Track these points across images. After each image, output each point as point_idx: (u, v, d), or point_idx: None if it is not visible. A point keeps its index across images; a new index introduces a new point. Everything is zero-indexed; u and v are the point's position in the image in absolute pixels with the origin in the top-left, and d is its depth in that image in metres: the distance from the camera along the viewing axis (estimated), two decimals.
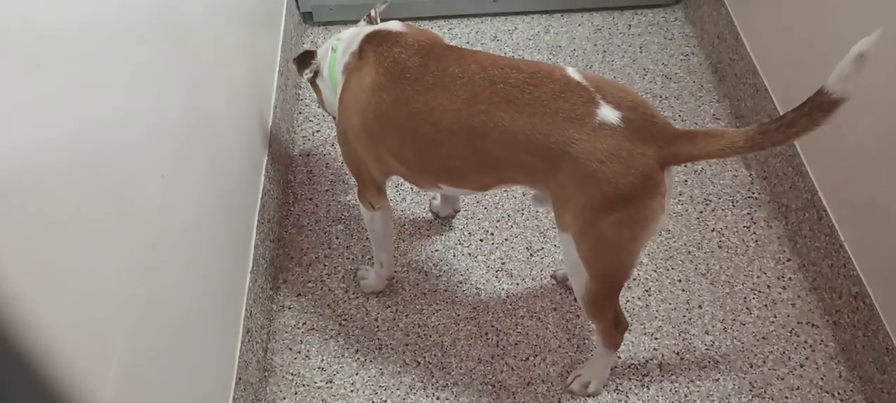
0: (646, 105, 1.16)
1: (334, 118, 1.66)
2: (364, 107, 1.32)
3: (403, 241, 1.81)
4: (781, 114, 1.80)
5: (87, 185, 0.87)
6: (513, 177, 1.28)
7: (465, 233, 1.83)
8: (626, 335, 1.58)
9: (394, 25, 1.36)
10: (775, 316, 1.65)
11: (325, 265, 1.77)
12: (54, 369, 0.65)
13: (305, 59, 1.54)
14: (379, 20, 1.48)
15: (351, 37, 1.41)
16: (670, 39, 2.34)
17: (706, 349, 1.59)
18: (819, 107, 1.00)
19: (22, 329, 0.69)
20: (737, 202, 1.88)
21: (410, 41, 1.29)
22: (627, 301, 1.67)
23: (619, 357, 1.57)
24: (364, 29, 1.40)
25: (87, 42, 0.90)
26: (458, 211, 1.86)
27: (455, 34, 2.35)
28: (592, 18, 2.41)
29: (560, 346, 1.61)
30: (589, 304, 1.32)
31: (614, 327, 1.40)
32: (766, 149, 1.09)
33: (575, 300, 1.67)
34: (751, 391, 1.52)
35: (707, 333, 1.62)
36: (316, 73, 1.54)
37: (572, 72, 1.18)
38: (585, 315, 1.49)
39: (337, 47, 1.44)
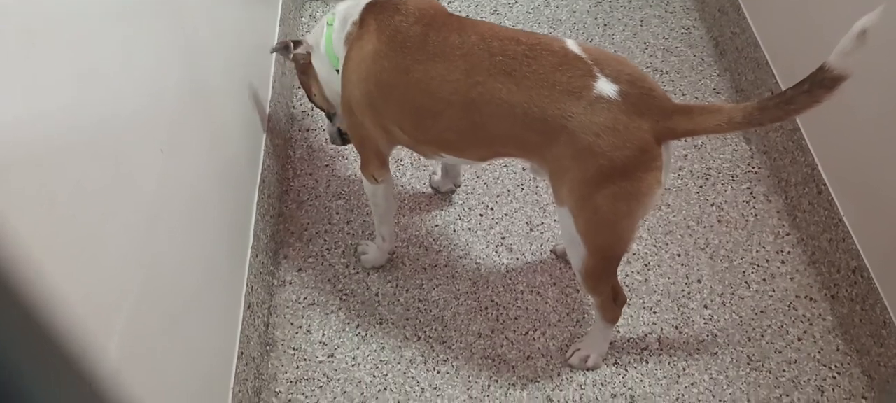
0: (645, 78, 1.15)
1: (325, 112, 1.63)
2: (366, 76, 1.31)
3: (403, 217, 1.81)
4: (783, 87, 1.81)
5: (87, 161, 0.87)
6: (509, 150, 1.28)
7: (465, 208, 1.83)
8: (626, 309, 1.59)
9: None
10: (774, 290, 1.65)
11: (325, 240, 1.78)
12: (57, 340, 0.66)
13: (292, 44, 1.54)
14: None
15: (348, 8, 1.40)
16: (671, 13, 2.32)
17: (705, 323, 1.60)
18: (820, 83, 0.99)
19: (24, 301, 0.69)
20: (736, 176, 1.88)
21: (412, 9, 1.28)
22: (627, 275, 1.68)
23: (618, 332, 1.58)
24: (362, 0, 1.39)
25: (83, 18, 0.89)
26: (459, 186, 1.86)
27: (455, 7, 2.34)
28: None
29: (559, 320, 1.62)
30: (587, 278, 1.33)
31: (612, 301, 1.41)
32: (765, 125, 1.09)
33: (574, 274, 1.68)
34: (748, 364, 1.53)
35: (706, 307, 1.63)
36: (305, 58, 1.52)
37: (572, 45, 1.18)
38: (583, 289, 1.50)
39: (332, 22, 1.43)
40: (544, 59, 1.16)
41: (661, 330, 1.60)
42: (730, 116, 1.09)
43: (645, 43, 2.22)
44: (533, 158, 1.26)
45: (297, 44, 1.54)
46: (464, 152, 1.34)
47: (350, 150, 1.96)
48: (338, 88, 1.45)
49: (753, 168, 1.89)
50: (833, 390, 1.50)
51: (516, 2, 2.36)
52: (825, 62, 0.98)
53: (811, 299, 1.64)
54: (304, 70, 1.56)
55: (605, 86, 1.12)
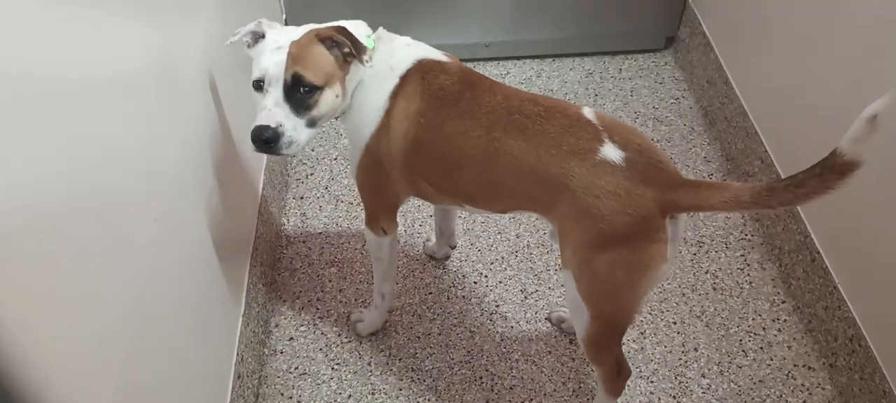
0: (655, 150, 1.17)
1: (310, 116, 1.32)
2: (405, 133, 1.31)
3: (396, 284, 1.80)
4: (772, 157, 1.83)
5: (81, 231, 0.86)
6: (524, 204, 1.29)
7: (459, 276, 1.82)
8: None
9: (437, 54, 1.36)
10: (771, 359, 1.63)
11: (317, 308, 1.76)
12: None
13: (358, 44, 1.27)
14: None
15: (396, 59, 1.32)
16: (660, 83, 2.37)
17: (703, 392, 1.58)
18: (831, 168, 0.97)
19: (18, 363, 0.68)
20: (730, 244, 1.88)
21: (455, 69, 1.32)
22: (622, 344, 1.65)
23: None
24: (409, 51, 1.34)
25: (82, 90, 0.90)
26: (455, 247, 1.85)
27: None
28: (584, 63, 2.44)
29: (555, 390, 1.59)
30: (589, 345, 1.31)
31: (616, 373, 1.38)
32: (773, 208, 1.05)
33: (570, 342, 1.66)
34: None
35: (703, 376, 1.61)
36: (368, 61, 1.29)
37: (587, 111, 1.21)
38: (586, 357, 1.48)
39: (373, 46, 1.32)
40: (556, 121, 1.19)
41: (659, 399, 1.57)
42: (736, 195, 1.08)
43: (635, 112, 2.26)
44: (545, 215, 1.28)
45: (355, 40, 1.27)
46: (484, 204, 1.36)
47: (344, 217, 1.96)
48: (350, 107, 1.35)
49: (746, 235, 1.90)
50: None
51: (508, 73, 2.40)
52: (837, 147, 0.96)
53: (809, 368, 1.62)
54: (339, 62, 1.28)
55: (611, 152, 1.14)
